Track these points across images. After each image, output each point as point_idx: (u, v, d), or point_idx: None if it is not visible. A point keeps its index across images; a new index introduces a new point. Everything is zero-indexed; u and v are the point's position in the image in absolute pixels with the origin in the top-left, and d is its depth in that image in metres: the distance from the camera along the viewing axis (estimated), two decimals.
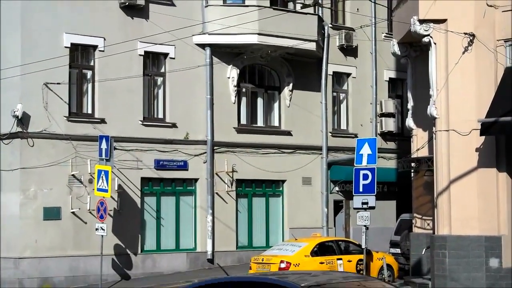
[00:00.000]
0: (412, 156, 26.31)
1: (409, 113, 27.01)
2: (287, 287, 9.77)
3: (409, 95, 27.19)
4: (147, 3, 27.29)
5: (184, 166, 27.93)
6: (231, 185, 28.88)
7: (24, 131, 24.89)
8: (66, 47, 25.80)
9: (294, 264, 22.79)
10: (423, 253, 24.85)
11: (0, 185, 25.32)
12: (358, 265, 23.93)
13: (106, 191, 24.22)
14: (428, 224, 25.58)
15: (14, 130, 24.83)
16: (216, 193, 28.48)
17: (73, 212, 25.47)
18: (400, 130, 33.39)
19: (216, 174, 28.49)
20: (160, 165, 27.40)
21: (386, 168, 31.26)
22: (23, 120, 24.79)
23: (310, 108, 30.93)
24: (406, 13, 25.29)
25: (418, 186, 26.46)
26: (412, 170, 26.56)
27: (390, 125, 32.79)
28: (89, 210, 25.56)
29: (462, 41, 23.10)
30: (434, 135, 23.60)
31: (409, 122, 26.84)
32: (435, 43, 23.85)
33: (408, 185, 28.02)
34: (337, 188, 31.37)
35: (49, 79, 25.06)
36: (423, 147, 25.86)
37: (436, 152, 23.34)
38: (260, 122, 30.27)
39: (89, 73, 26.54)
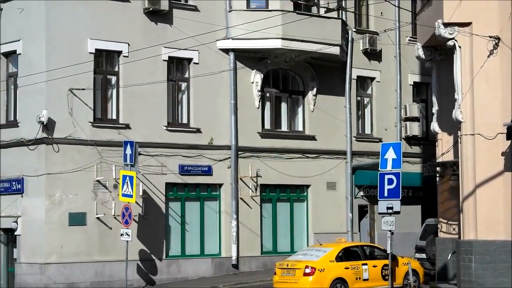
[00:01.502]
0: (437, 161, 26.17)
1: (434, 117, 26.89)
2: None
3: (434, 99, 27.08)
4: (171, 9, 27.34)
5: (208, 171, 27.93)
6: (256, 190, 28.84)
7: (50, 136, 24.98)
8: (90, 53, 25.89)
9: (319, 270, 22.72)
10: (449, 258, 24.71)
11: (26, 191, 25.42)
12: (384, 271, 23.81)
13: (131, 196, 24.27)
14: (454, 229, 25.43)
15: (39, 136, 24.92)
16: (241, 198, 28.45)
17: (98, 218, 25.53)
18: (425, 134, 33.22)
19: (241, 179, 28.46)
20: (184, 170, 27.42)
21: (411, 172, 31.11)
22: (49, 126, 24.89)
23: (334, 112, 30.85)
24: (430, 17, 25.20)
25: (443, 191, 26.32)
26: (437, 175, 26.43)
27: (414, 129, 32.63)
28: (114, 215, 25.61)
29: (487, 44, 22.99)
30: (459, 139, 23.47)
31: (434, 126, 26.72)
32: (460, 47, 23.74)
33: (433, 189, 27.89)
34: (361, 193, 31.25)
35: (74, 85, 25.15)
36: (448, 151, 25.72)
37: (461, 156, 23.20)
38: (284, 127, 30.22)
39: (113, 79, 26.62)
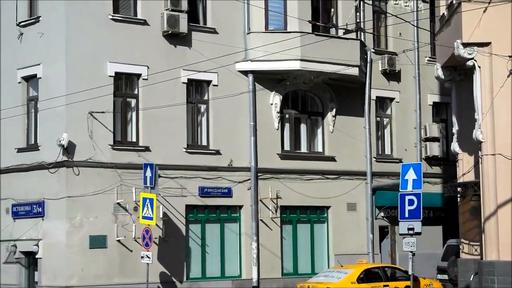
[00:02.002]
0: (458, 181, 26.08)
1: (454, 137, 26.82)
2: None
3: (454, 119, 27.03)
4: (190, 31, 27.44)
5: (228, 193, 27.91)
6: (276, 211, 28.79)
7: (70, 160, 25.06)
8: (110, 76, 26.00)
9: None
10: (471, 279, 24.56)
11: (47, 214, 25.49)
12: None
13: (151, 219, 24.29)
14: (476, 250, 25.28)
15: (60, 159, 25.01)
16: (261, 220, 28.40)
17: (118, 240, 25.55)
18: (445, 155, 33.08)
19: (261, 200, 28.43)
20: (204, 192, 27.42)
21: (431, 193, 30.96)
22: (69, 149, 24.98)
23: (354, 133, 30.80)
24: (449, 37, 25.20)
25: (464, 211, 26.21)
26: (458, 195, 26.34)
27: (435, 149, 32.50)
28: (134, 238, 25.62)
29: (507, 64, 22.96)
30: (480, 159, 23.39)
31: (454, 146, 26.65)
32: (479, 67, 23.74)
33: (454, 210, 27.77)
34: (382, 214, 31.13)
35: (94, 108, 25.26)
36: (469, 171, 25.63)
37: (482, 177, 23.11)
38: (303, 148, 30.19)
39: (133, 102, 26.71)
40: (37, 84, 26.37)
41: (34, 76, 26.38)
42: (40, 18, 26.26)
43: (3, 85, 27.56)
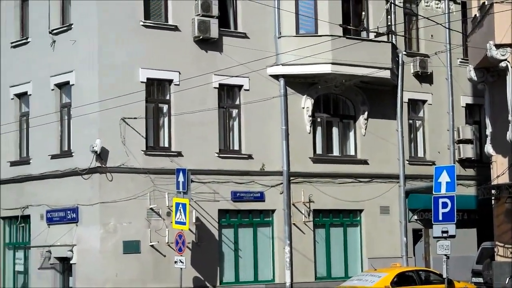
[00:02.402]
0: (492, 183, 25.89)
1: (488, 139, 26.64)
2: None
3: (487, 120, 26.84)
4: (221, 36, 27.50)
5: (260, 198, 27.92)
6: (308, 215, 28.74)
7: (103, 166, 25.20)
8: (142, 82, 26.12)
9: None
10: (506, 282, 24.37)
11: (81, 220, 25.66)
12: None
13: (184, 224, 24.36)
14: (511, 253, 25.08)
15: (93, 165, 25.16)
16: (293, 224, 28.37)
17: (152, 245, 25.65)
18: (478, 157, 32.83)
19: (293, 204, 28.40)
20: (237, 196, 27.45)
21: (465, 195, 30.74)
22: (102, 155, 25.13)
23: (386, 136, 30.67)
24: (481, 38, 25.05)
25: (499, 214, 26.02)
26: (493, 197, 26.15)
27: (468, 151, 32.28)
28: (167, 243, 25.70)
29: None
30: None
31: (488, 148, 26.47)
32: None
33: (489, 212, 27.57)
34: (415, 217, 30.97)
35: (126, 114, 25.39)
36: (503, 173, 25.45)
37: None
38: (336, 152, 30.11)
39: (165, 107, 26.81)
40: (70, 91, 26.56)
41: (67, 83, 26.57)
42: (72, 26, 26.45)
43: (36, 92, 27.80)
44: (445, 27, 31.14)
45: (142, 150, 25.85)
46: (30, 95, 28.16)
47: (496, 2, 23.73)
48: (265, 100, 27.90)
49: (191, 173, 25.12)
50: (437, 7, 32.65)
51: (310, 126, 29.16)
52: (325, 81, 29.06)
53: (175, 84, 26.70)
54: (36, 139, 27.71)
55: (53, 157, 26.90)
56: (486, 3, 24.87)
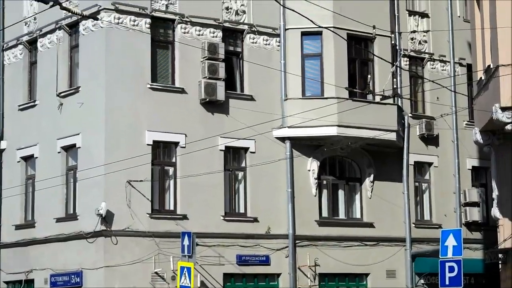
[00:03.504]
0: (499, 247, 25.70)
1: (494, 202, 26.51)
2: None
3: (494, 184, 26.73)
4: (227, 99, 27.61)
5: (266, 261, 27.73)
6: (314, 279, 28.49)
7: (108, 229, 25.11)
8: (148, 144, 26.16)
9: None
10: None
11: (85, 284, 25.48)
12: None
13: None
14: None
15: (98, 228, 25.07)
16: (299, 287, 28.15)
17: None
18: (485, 220, 32.63)
19: (299, 268, 28.17)
20: (242, 260, 27.26)
21: (472, 259, 30.49)
22: (107, 218, 25.05)
23: (392, 199, 30.55)
24: (487, 101, 25.10)
25: (506, 278, 25.77)
26: (500, 262, 25.93)
27: (474, 214, 32.11)
28: None
29: None
30: None
31: (495, 211, 26.32)
32: None
33: (496, 276, 27.31)
34: (422, 281, 30.66)
35: (132, 176, 25.37)
36: (510, 237, 25.27)
37: None
38: (341, 215, 29.98)
39: (171, 170, 26.80)
40: (76, 153, 26.59)
41: (74, 145, 26.63)
42: (80, 88, 26.62)
43: (43, 155, 27.85)
44: (451, 90, 31.25)
45: (147, 213, 25.77)
46: (36, 158, 28.20)
47: (501, 65, 23.81)
48: (271, 162, 27.88)
49: (196, 236, 25.03)
50: (442, 70, 32.80)
51: (316, 189, 29.07)
52: (331, 143, 29.07)
53: (181, 147, 26.73)
54: (41, 202, 27.67)
55: (58, 220, 26.83)
56: (491, 66, 24.96)
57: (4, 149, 29.53)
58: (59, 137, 27.08)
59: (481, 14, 26.08)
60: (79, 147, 26.38)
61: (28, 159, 28.78)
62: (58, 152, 27.20)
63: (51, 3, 14.49)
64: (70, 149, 27.00)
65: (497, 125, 24.42)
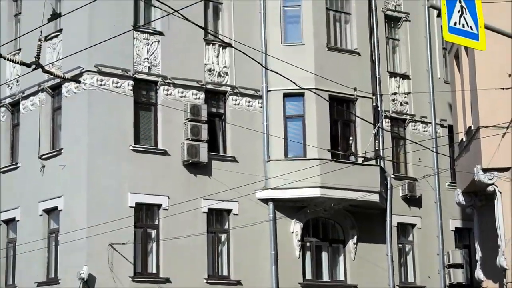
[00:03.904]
0: None
1: (478, 264, 26.42)
2: None
3: (477, 245, 26.68)
4: (210, 160, 27.60)
5: None
6: None
7: None
8: (131, 207, 26.05)
9: None
10: None
11: None
12: None
13: None
14: None
15: None
16: None
17: None
18: (469, 282, 32.44)
19: None
20: None
21: None
22: (89, 282, 24.75)
23: (376, 260, 30.40)
24: (468, 162, 25.20)
25: None
26: None
27: (458, 276, 31.95)
28: None
29: None
30: (505, 287, 22.98)
31: (478, 273, 26.22)
32: (500, 192, 23.62)
33: None
34: None
35: (115, 239, 25.18)
36: None
37: None
38: (325, 277, 29.74)
39: (153, 232, 26.63)
40: (58, 216, 26.41)
41: (56, 208, 26.45)
42: (62, 151, 26.56)
43: (24, 218, 27.61)
44: (433, 151, 31.39)
45: (129, 277, 25.51)
46: (18, 221, 27.98)
47: (482, 127, 23.98)
48: (254, 224, 27.77)
49: None
50: (424, 131, 32.98)
51: (300, 251, 28.92)
52: (314, 205, 29.03)
53: (164, 209, 26.62)
54: (22, 266, 27.35)
55: (40, 284, 26.49)
56: (472, 128, 25.13)
57: None
58: (41, 199, 26.91)
59: (461, 75, 26.35)
60: (61, 210, 26.21)
61: (10, 222, 28.55)
62: (40, 215, 27.00)
63: (33, 66, 14.48)
64: (52, 212, 26.82)
65: (479, 186, 24.48)
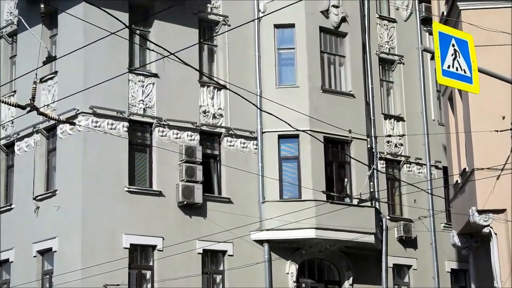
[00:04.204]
0: None
1: None
2: None
3: (473, 286, 26.58)
4: (205, 201, 27.58)
5: None
6: None
7: None
8: (125, 248, 25.96)
9: None
10: None
11: None
12: None
13: None
14: None
15: None
16: None
17: None
18: None
19: None
20: None
21: None
22: None
23: None
24: (464, 204, 25.18)
25: None
26: None
27: None
28: None
29: None
30: None
31: None
32: (495, 233, 23.57)
33: None
34: None
35: (109, 280, 25.05)
36: None
37: None
38: None
39: (148, 273, 26.52)
40: (52, 257, 26.29)
41: (50, 249, 26.35)
42: (57, 192, 26.52)
43: (18, 260, 27.48)
44: (428, 193, 31.38)
45: None
46: (12, 262, 27.83)
47: (476, 169, 24.00)
48: (249, 266, 27.68)
49: None
50: (419, 172, 33.02)
51: None
52: (309, 246, 28.95)
53: (158, 250, 26.53)
54: None
55: None
56: (467, 169, 25.17)
57: None
58: (35, 241, 26.80)
59: (456, 117, 26.44)
60: (55, 251, 26.10)
61: (3, 264, 28.40)
62: (34, 256, 26.88)
63: (28, 109, 14.53)
64: (46, 253, 26.70)
65: (475, 228, 24.45)
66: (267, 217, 28.14)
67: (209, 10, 29.32)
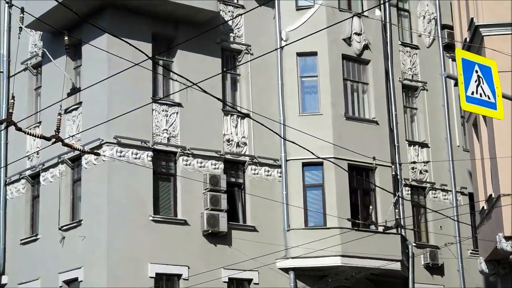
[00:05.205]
0: None
1: None
2: None
3: None
4: (230, 230, 27.55)
5: None
6: None
7: None
8: (151, 277, 25.95)
9: None
10: None
11: None
12: None
13: None
14: None
15: None
16: None
17: None
18: None
19: None
20: None
21: None
22: None
23: None
24: (490, 230, 25.02)
25: None
26: None
27: None
28: None
29: None
30: None
31: None
32: None
33: None
34: None
35: None
36: None
37: None
38: None
39: None
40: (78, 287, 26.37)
41: (76, 279, 26.38)
42: (82, 222, 26.60)
43: None
44: (454, 219, 31.16)
45: None
46: None
47: (503, 195, 23.86)
48: None
49: None
50: (445, 199, 32.82)
51: None
52: (335, 273, 28.80)
53: (184, 279, 26.51)
54: None
55: None
56: (493, 195, 25.01)
57: (5, 284, 29.24)
58: (61, 271, 26.85)
59: (480, 144, 26.32)
60: (81, 281, 26.13)
61: None
62: (60, 287, 26.91)
63: (53, 140, 14.61)
64: (72, 283, 26.72)
65: (502, 254, 24.26)
66: (292, 245, 28.05)
67: (231, 39, 29.46)
